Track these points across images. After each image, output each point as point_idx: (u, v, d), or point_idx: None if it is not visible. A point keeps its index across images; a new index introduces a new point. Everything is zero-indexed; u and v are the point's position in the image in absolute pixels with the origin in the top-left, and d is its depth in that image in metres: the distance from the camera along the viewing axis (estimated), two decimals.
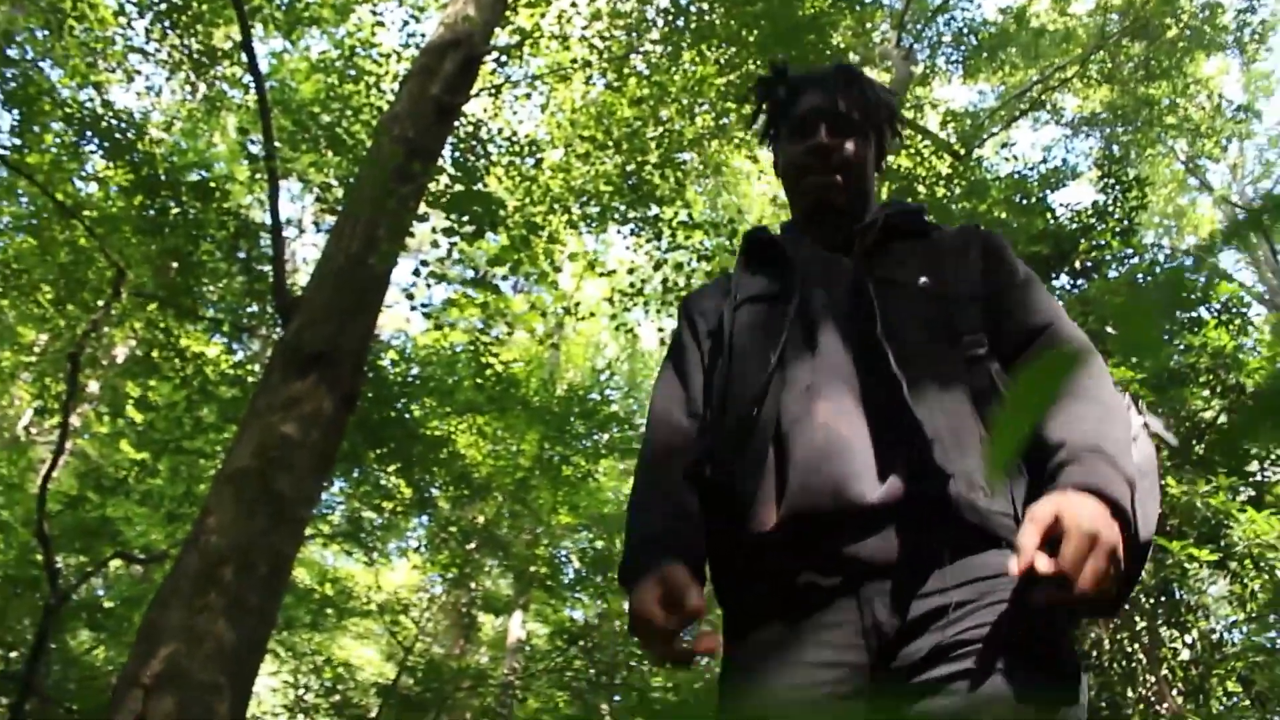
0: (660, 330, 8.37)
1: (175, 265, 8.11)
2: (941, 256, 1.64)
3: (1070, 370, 0.52)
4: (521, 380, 10.00)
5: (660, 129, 8.99)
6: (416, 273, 6.89)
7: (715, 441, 1.55)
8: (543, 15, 8.58)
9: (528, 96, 9.44)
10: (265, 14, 8.54)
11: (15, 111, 7.62)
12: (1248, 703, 6.25)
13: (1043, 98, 14.86)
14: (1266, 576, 6.10)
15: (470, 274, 9.35)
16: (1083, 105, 15.39)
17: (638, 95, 8.92)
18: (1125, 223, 7.62)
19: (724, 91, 8.92)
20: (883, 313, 1.50)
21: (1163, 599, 6.45)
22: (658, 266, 8.35)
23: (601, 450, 10.77)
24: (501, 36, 8.38)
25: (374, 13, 9.47)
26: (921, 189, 9.81)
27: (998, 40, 14.48)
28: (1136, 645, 6.52)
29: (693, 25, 8.49)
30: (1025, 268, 1.64)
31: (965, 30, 14.57)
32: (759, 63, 8.25)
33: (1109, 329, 6.14)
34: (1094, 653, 6.47)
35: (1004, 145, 14.16)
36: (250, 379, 8.64)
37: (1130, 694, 6.32)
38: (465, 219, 6.15)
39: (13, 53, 8.08)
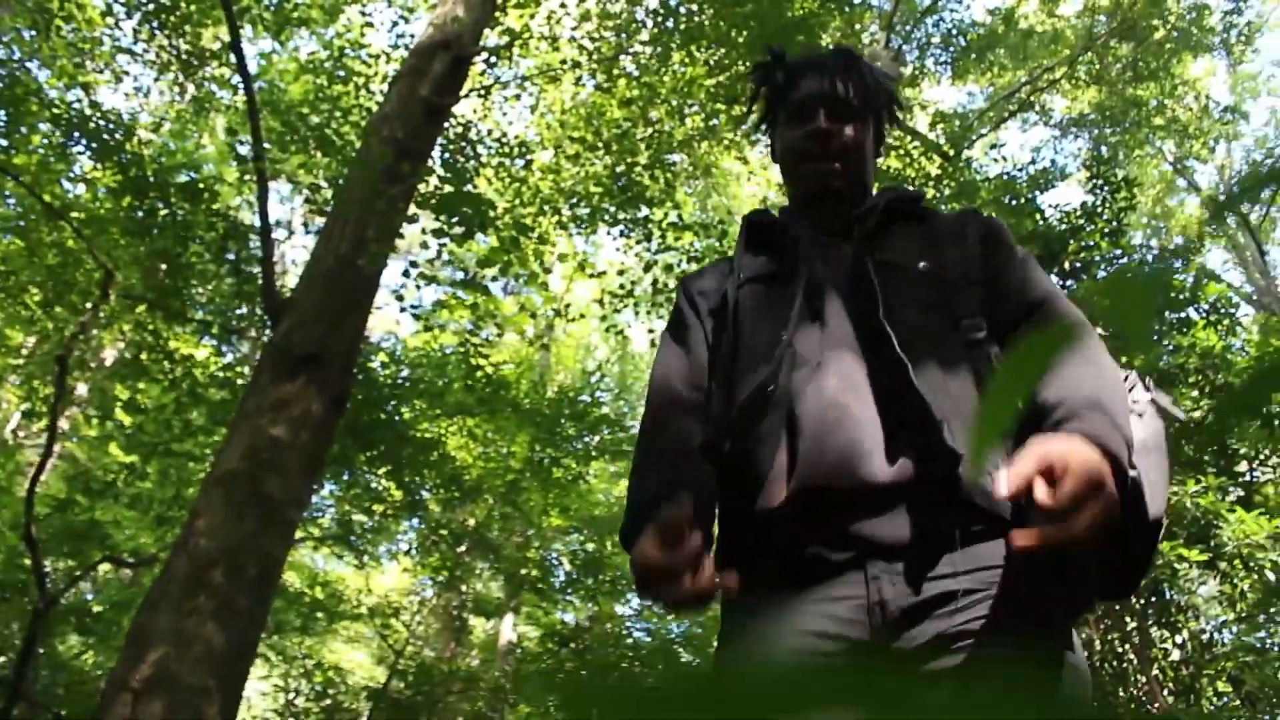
0: (650, 332, 8.37)
1: (164, 267, 8.08)
2: (940, 241, 1.63)
3: (1064, 344, 0.50)
4: (512, 382, 9.99)
5: (650, 130, 8.98)
6: (406, 274, 6.87)
7: (727, 418, 1.52)
8: (532, 16, 8.58)
9: (517, 98, 9.43)
10: (254, 14, 8.52)
11: (2, 112, 7.58)
12: (1238, 702, 6.27)
13: (1031, 99, 14.91)
14: (1256, 576, 6.11)
15: (460, 275, 9.32)
16: (1071, 106, 15.44)
17: (627, 96, 8.91)
18: (1114, 223, 7.64)
19: (713, 93, 8.92)
20: (884, 295, 1.49)
21: (1153, 599, 6.46)
22: (648, 268, 8.35)
23: (592, 452, 10.76)
24: (491, 37, 8.37)
25: (363, 13, 9.45)
26: (911, 190, 9.82)
27: (986, 41, 14.52)
28: (1127, 646, 6.54)
29: (682, 26, 8.48)
30: (1023, 250, 1.63)
31: (954, 31, 14.60)
32: (748, 64, 8.25)
33: (1099, 330, 6.14)
34: (1085, 654, 6.48)
35: (993, 146, 14.19)
36: (240, 381, 8.61)
37: (1121, 694, 6.34)
38: (454, 220, 6.14)
39: None
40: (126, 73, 8.99)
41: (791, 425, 1.44)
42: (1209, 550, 5.89)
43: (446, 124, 7.52)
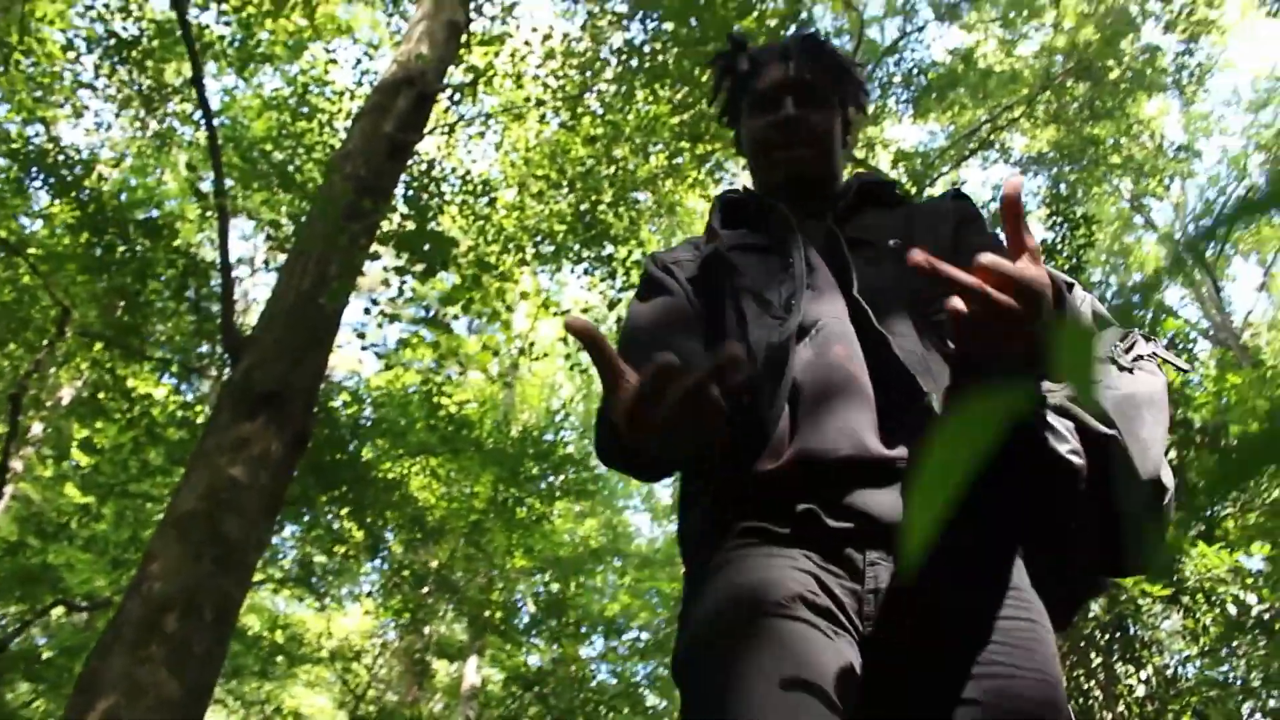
0: None
1: (122, 304, 7.98)
2: (913, 220, 1.60)
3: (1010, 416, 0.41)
4: (475, 421, 9.92)
5: (614, 168, 9.01)
6: (367, 311, 6.82)
7: (751, 373, 1.42)
8: (497, 54, 8.60)
9: (481, 135, 9.44)
10: (217, 50, 8.49)
11: None
12: None
13: (991, 137, 15.12)
14: (1218, 611, 6.15)
15: (422, 313, 9.27)
16: (1030, 145, 15.68)
17: (592, 134, 8.94)
18: (1073, 260, 7.74)
19: (677, 131, 8.97)
20: (856, 271, 1.46)
21: (1117, 635, 6.48)
22: (612, 306, 8.34)
23: (557, 492, 10.69)
24: (455, 74, 8.38)
25: (327, 50, 9.44)
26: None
27: (947, 81, 14.74)
28: (1093, 682, 6.54)
29: (646, 65, 8.54)
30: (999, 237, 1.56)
31: (915, 70, 14.82)
32: (712, 103, 8.30)
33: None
34: None
35: (954, 184, 14.37)
36: (199, 420, 8.49)
37: None
38: (417, 257, 6.10)
39: None
40: (87, 107, 8.92)
41: (795, 390, 1.38)
42: (1172, 585, 5.92)
43: (410, 161, 7.50)
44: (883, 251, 1.52)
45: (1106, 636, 6.49)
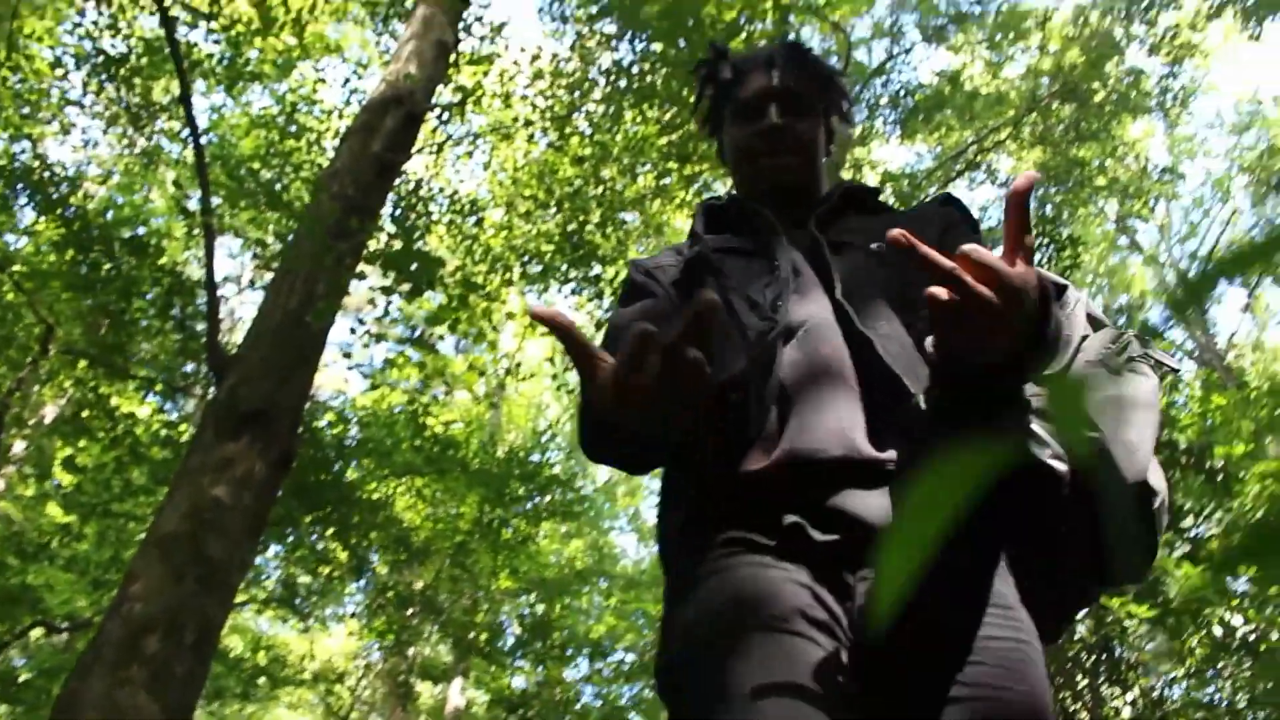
0: None
1: (107, 322, 7.94)
2: (897, 225, 1.58)
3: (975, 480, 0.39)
4: (461, 442, 9.88)
5: (602, 188, 9.02)
6: (353, 331, 6.80)
7: (741, 369, 1.39)
8: (485, 74, 8.62)
9: (469, 154, 9.44)
10: (206, 69, 8.48)
11: None
12: None
13: (978, 159, 15.20)
14: (1204, 632, 6.14)
15: (409, 333, 9.25)
16: (1017, 166, 15.77)
17: (580, 154, 8.96)
18: None
19: (665, 151, 8.99)
20: (839, 274, 1.45)
21: (1103, 657, 6.47)
22: (599, 326, 8.33)
23: (543, 513, 10.64)
24: (444, 94, 8.39)
25: (316, 69, 9.44)
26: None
27: (933, 102, 14.82)
28: (1079, 704, 6.52)
29: (634, 86, 8.57)
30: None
31: (902, 92, 14.91)
32: (694, 111, 8.32)
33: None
34: None
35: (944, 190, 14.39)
36: (183, 439, 8.44)
37: None
38: (403, 277, 6.09)
39: None
40: (74, 125, 8.89)
41: (783, 390, 1.36)
42: (1157, 606, 5.92)
43: (398, 180, 7.50)
44: (866, 255, 1.51)
45: (1092, 658, 6.48)
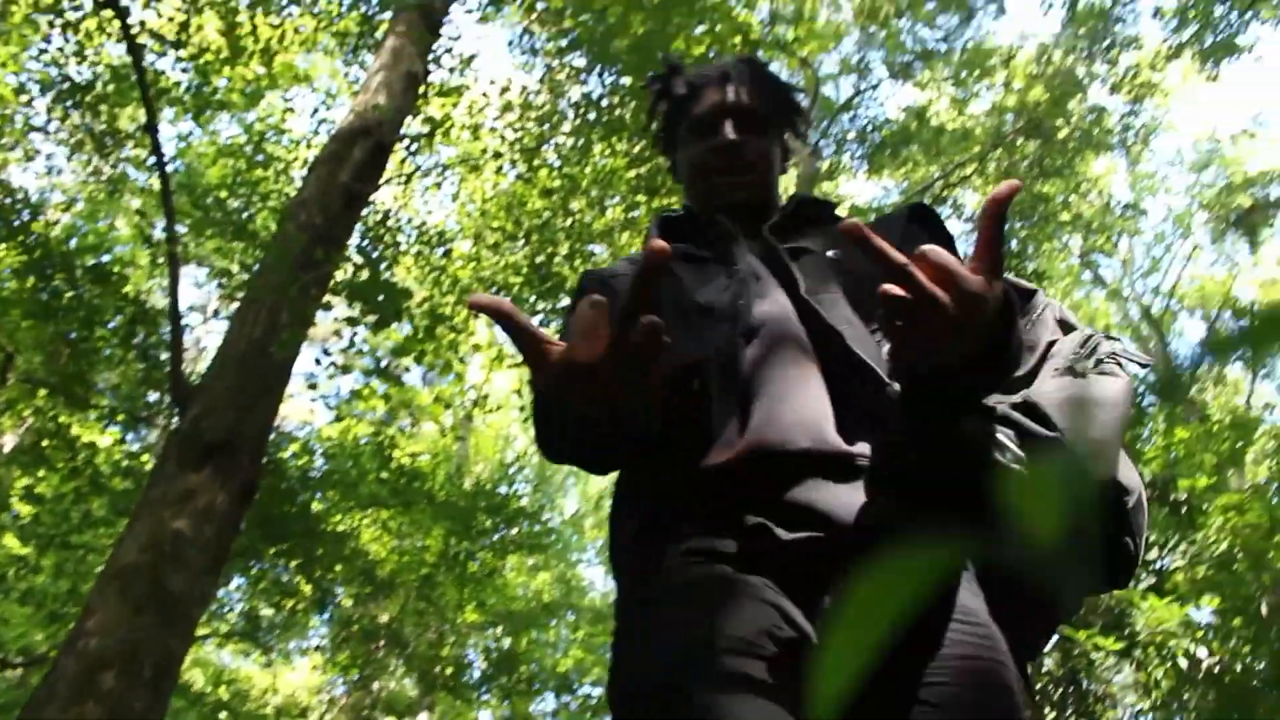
0: None
1: (68, 351, 7.83)
2: (852, 230, 1.56)
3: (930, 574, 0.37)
4: (427, 474, 9.81)
5: (571, 220, 9.03)
6: (318, 362, 6.75)
7: (699, 362, 1.37)
8: (455, 105, 8.63)
9: (438, 186, 9.43)
10: (173, 96, 8.43)
11: None
12: None
13: (944, 194, 15.37)
14: (1169, 664, 6.18)
15: (375, 364, 9.19)
16: (982, 201, 15.97)
17: (548, 187, 8.97)
18: None
19: (634, 184, 9.02)
20: (801, 276, 1.43)
21: (1071, 689, 6.48)
22: None
23: (509, 545, 10.55)
24: (413, 125, 8.39)
25: (284, 98, 9.42)
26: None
27: (900, 138, 15.00)
28: None
29: (604, 119, 8.60)
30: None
31: (869, 128, 15.09)
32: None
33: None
34: None
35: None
36: (145, 470, 8.32)
37: None
38: (370, 308, 6.06)
39: None
40: (38, 151, 8.81)
41: (747, 388, 1.32)
42: (1124, 639, 5.95)
43: (366, 210, 7.47)
44: (825, 261, 1.49)
45: (1060, 690, 6.49)
